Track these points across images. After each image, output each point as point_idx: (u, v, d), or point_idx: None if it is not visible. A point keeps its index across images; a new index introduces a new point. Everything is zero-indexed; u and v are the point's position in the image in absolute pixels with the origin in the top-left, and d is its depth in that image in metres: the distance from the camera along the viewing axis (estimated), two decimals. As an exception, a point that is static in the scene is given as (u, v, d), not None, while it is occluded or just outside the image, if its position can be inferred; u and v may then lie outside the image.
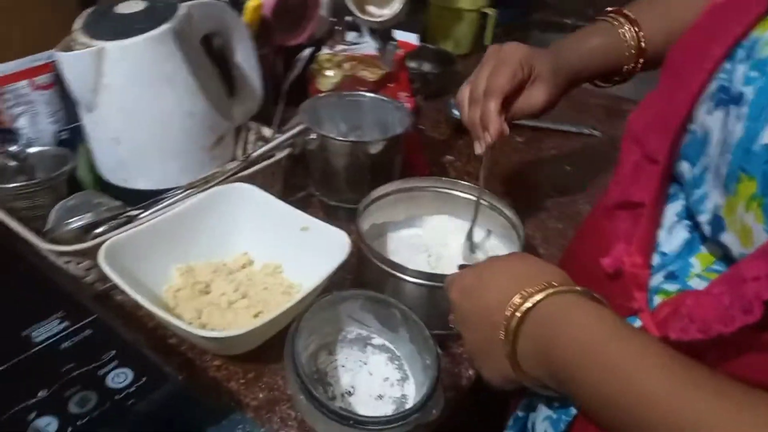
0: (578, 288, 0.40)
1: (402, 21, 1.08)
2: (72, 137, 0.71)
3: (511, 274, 0.43)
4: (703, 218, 0.40)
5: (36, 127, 0.70)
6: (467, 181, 0.68)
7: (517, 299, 0.40)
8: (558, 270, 0.43)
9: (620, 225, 0.46)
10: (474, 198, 0.65)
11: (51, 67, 0.68)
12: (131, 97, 0.62)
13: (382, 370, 0.55)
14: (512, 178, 0.90)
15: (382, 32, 0.95)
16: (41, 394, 0.43)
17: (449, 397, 0.54)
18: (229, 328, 0.56)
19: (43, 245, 0.56)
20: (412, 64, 1.14)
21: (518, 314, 0.39)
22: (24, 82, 0.68)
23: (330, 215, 0.75)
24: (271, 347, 0.54)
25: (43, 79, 0.69)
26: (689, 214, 0.43)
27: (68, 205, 0.63)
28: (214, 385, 0.54)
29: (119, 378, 0.44)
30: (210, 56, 0.73)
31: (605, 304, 0.40)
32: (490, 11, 1.31)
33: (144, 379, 0.44)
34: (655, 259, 0.44)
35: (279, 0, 0.84)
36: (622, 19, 0.62)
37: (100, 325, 0.49)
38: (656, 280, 0.43)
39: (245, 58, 0.76)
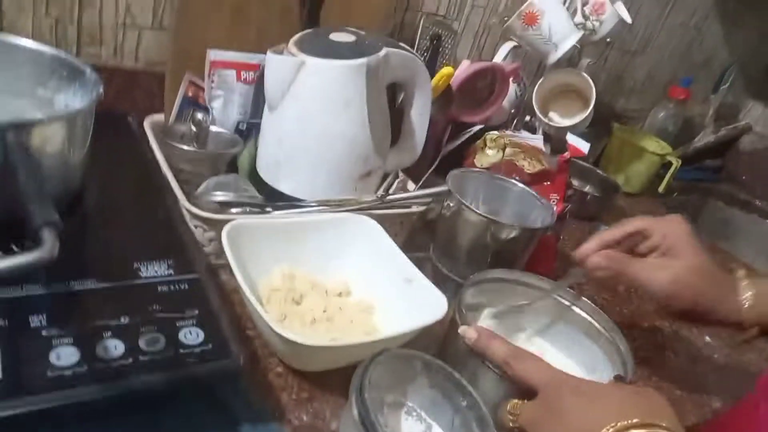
0: None
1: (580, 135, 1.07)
2: (248, 130, 0.79)
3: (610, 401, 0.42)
4: None
5: (225, 111, 0.78)
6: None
7: None
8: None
9: None
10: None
11: (259, 68, 0.77)
12: (310, 108, 0.68)
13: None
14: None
15: (556, 138, 0.95)
16: (123, 320, 0.45)
17: None
18: (304, 342, 0.57)
19: (184, 203, 0.62)
20: (575, 182, 1.11)
21: None
22: (233, 71, 0.77)
23: (439, 284, 0.73)
24: (333, 376, 0.53)
25: (249, 74, 0.78)
26: None
27: (220, 180, 0.69)
28: (267, 387, 0.53)
29: (191, 335, 0.46)
30: (390, 102, 0.78)
31: None
32: (675, 161, 1.25)
33: (210, 345, 0.45)
34: None
35: (469, 78, 0.88)
36: None
37: (197, 285, 0.51)
38: None
39: (418, 114, 0.79)
